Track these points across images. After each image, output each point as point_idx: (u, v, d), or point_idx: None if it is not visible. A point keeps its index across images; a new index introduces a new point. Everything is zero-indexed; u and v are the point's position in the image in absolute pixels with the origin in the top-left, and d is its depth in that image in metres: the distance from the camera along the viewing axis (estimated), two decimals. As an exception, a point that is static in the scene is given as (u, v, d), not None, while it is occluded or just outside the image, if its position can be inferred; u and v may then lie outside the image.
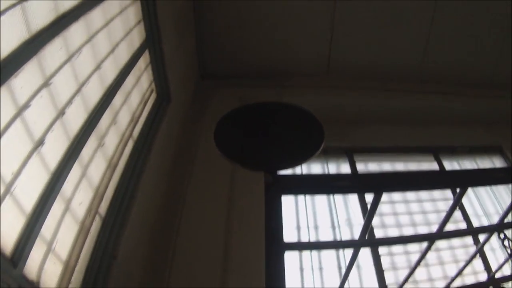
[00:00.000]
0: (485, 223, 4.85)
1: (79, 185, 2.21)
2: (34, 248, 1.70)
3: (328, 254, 4.06)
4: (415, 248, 4.27)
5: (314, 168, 5.14)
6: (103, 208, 2.51)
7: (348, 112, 5.43)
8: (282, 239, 1.51)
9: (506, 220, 1.97)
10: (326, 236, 4.32)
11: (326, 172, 5.14)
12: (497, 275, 2.78)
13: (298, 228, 4.34)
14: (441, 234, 2.02)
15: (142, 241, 2.96)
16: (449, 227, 3.73)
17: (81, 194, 2.23)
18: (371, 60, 5.67)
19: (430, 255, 4.23)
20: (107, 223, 2.50)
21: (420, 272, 4.08)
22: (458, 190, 1.75)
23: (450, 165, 5.75)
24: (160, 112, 3.73)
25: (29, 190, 1.72)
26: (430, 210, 4.79)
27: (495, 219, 4.77)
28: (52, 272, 1.87)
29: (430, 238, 2.08)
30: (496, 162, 5.95)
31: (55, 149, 1.96)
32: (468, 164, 5.90)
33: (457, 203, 1.78)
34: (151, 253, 3.12)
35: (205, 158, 4.05)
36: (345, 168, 5.17)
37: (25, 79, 1.71)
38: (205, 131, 4.34)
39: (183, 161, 4.04)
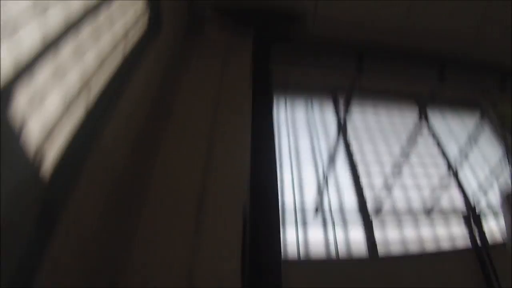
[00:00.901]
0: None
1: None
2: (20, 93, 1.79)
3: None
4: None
5: (298, 106, 5.28)
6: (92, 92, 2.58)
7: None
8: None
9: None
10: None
11: (310, 112, 5.28)
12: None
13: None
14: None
15: (127, 137, 3.06)
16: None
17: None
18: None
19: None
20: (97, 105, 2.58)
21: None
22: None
23: (432, 114, 5.96)
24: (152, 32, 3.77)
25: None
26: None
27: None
28: (35, 128, 1.95)
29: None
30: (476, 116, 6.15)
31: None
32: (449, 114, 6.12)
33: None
34: (136, 152, 3.24)
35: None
36: (329, 107, 5.32)
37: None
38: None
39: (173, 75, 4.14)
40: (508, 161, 4.23)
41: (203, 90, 3.96)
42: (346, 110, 3.68)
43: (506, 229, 2.84)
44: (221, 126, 3.81)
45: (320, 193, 3.70)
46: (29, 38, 1.89)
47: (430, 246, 4.32)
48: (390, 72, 5.08)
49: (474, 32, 5.52)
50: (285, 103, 5.19)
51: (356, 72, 2.80)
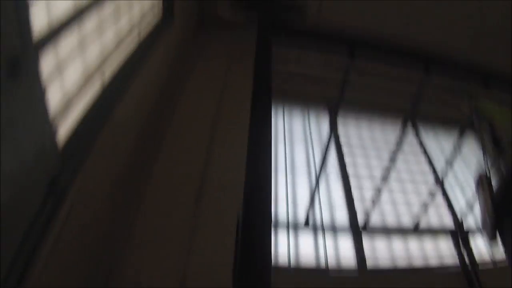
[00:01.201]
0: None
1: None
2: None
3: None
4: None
5: (295, 118, 5.37)
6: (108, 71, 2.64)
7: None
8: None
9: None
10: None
11: (307, 123, 5.37)
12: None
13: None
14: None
15: (135, 123, 3.12)
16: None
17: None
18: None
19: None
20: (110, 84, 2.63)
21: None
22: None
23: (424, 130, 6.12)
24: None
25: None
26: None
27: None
28: (55, 97, 1.98)
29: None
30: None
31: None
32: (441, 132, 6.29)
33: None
34: (141, 141, 3.30)
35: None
36: (325, 120, 5.44)
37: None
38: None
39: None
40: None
41: (207, 88, 4.06)
42: (337, 112, 3.74)
43: (481, 213, 2.89)
44: (222, 127, 3.87)
45: (312, 203, 3.77)
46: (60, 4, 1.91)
47: (418, 262, 4.35)
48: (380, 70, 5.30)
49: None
50: (283, 111, 5.28)
51: (348, 60, 2.90)
